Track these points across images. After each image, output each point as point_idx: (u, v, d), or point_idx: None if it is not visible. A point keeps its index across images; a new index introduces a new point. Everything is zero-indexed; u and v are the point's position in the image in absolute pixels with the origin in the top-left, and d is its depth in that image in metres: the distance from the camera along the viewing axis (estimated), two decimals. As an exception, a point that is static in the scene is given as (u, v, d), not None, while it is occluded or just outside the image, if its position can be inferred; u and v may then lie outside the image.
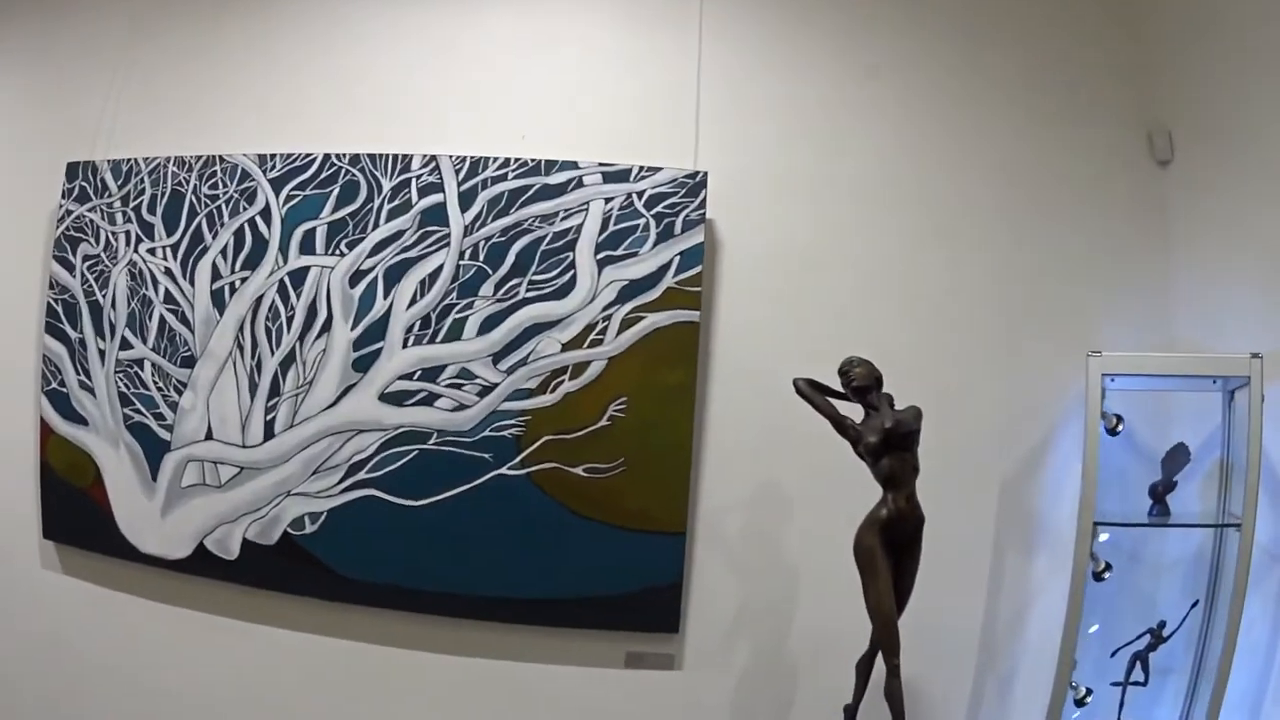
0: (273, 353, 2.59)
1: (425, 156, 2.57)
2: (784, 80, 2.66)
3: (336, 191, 2.60)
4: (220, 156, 2.68)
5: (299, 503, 2.53)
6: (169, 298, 2.67)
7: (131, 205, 2.72)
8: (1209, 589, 2.20)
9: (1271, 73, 2.17)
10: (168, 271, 2.68)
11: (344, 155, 2.61)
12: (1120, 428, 2.17)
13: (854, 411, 2.08)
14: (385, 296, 2.55)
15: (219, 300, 2.63)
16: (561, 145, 2.59)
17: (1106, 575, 2.15)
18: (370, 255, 2.56)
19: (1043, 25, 2.64)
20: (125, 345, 2.68)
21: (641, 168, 2.49)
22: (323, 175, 2.61)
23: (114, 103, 2.83)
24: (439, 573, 2.46)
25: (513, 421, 2.46)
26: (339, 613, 2.53)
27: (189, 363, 2.63)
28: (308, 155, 2.63)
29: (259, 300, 2.61)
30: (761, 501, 2.48)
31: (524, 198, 2.52)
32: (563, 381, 2.46)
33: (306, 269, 2.59)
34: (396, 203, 2.57)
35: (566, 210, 2.50)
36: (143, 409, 2.65)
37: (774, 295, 2.54)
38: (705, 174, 2.49)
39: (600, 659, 2.46)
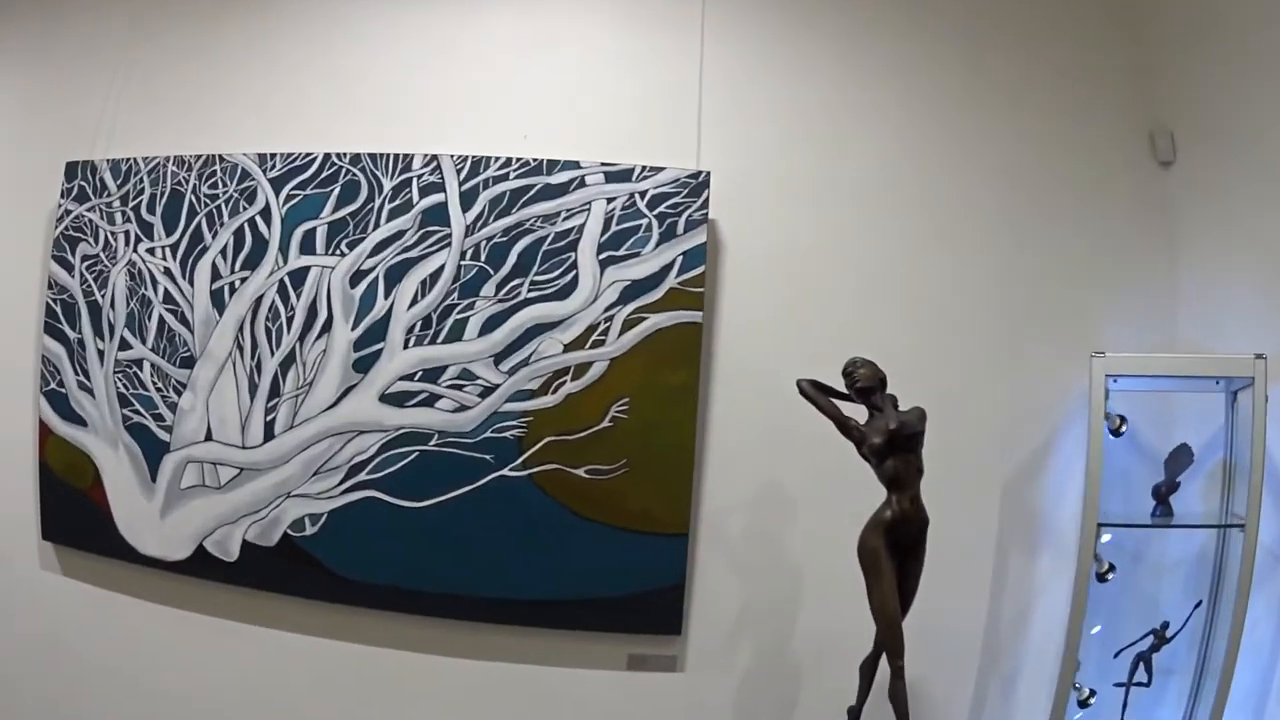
0: (273, 353, 2.58)
1: (426, 156, 2.56)
2: (786, 81, 2.65)
3: (337, 191, 2.59)
4: (220, 156, 2.67)
5: (299, 504, 2.52)
6: (168, 298, 2.66)
7: (131, 205, 2.71)
8: (1212, 589, 2.20)
9: (1273, 74, 2.17)
10: (167, 271, 2.67)
11: (344, 155, 2.60)
12: (1124, 429, 2.17)
13: (858, 413, 2.07)
14: (386, 297, 2.54)
15: (218, 300, 2.62)
16: (563, 145, 2.59)
17: (1110, 576, 2.15)
18: (371, 255, 2.55)
19: (1044, 27, 2.64)
20: (124, 345, 2.67)
21: (644, 168, 2.49)
22: (323, 175, 2.60)
23: (113, 102, 2.82)
24: (440, 574, 2.45)
25: (514, 423, 2.45)
26: (339, 615, 2.52)
27: (188, 363, 2.62)
28: (308, 155, 2.62)
29: (259, 300, 2.60)
30: (764, 503, 2.48)
31: (526, 197, 2.51)
32: (565, 382, 2.45)
33: (307, 269, 2.58)
34: (397, 202, 2.56)
35: (568, 210, 2.50)
36: (142, 410, 2.63)
37: (776, 296, 2.54)
38: (708, 174, 2.48)
39: (602, 661, 2.46)
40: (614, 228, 2.47)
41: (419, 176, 2.56)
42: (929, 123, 2.61)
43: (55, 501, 2.67)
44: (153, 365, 2.64)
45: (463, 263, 2.52)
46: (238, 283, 2.61)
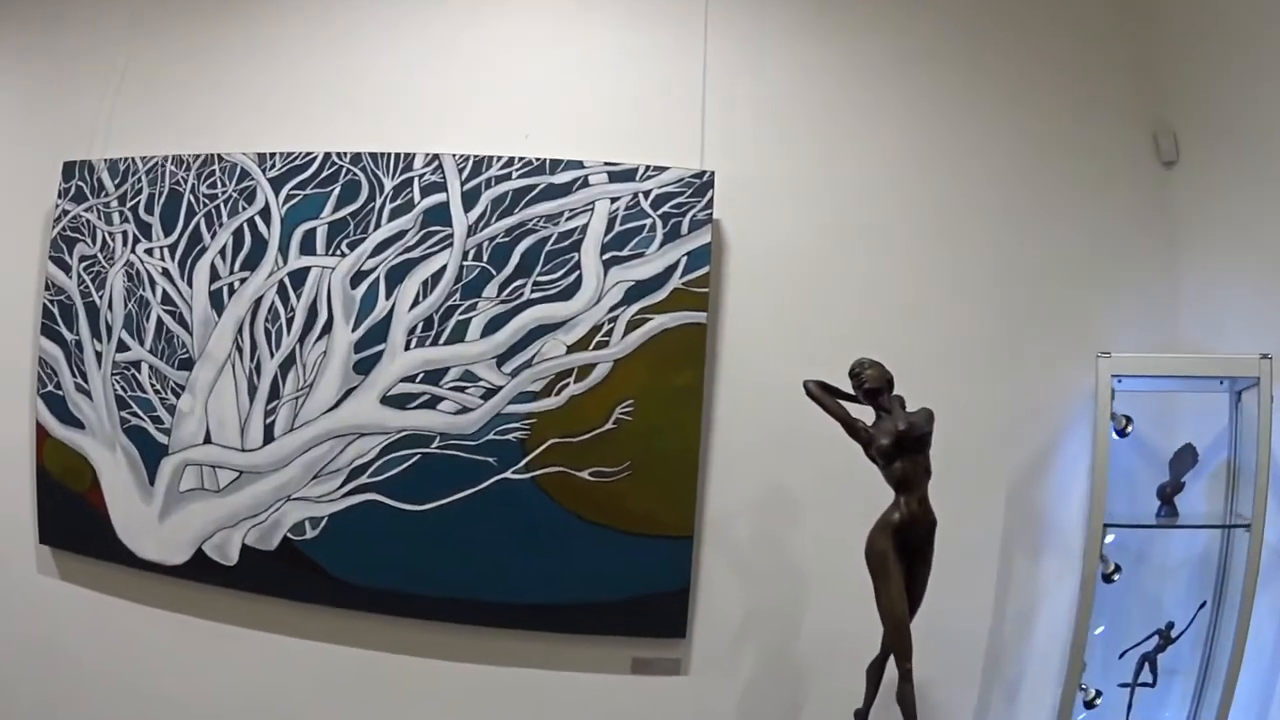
0: (272, 355, 2.56)
1: (428, 155, 2.54)
2: (789, 80, 2.64)
3: (337, 191, 2.57)
4: (219, 155, 2.65)
5: (299, 507, 2.50)
6: (166, 299, 2.63)
7: (129, 205, 2.68)
8: (1216, 590, 2.20)
9: (1277, 73, 2.17)
10: (165, 272, 2.64)
11: (345, 154, 2.58)
12: (1129, 429, 2.17)
13: (864, 414, 2.06)
14: (387, 297, 2.52)
15: (217, 301, 2.60)
16: (566, 144, 2.57)
17: (1116, 577, 2.15)
18: (372, 255, 2.53)
19: (1047, 26, 2.64)
20: (122, 347, 2.64)
21: (648, 167, 2.47)
22: (323, 174, 2.58)
23: (111, 101, 2.80)
24: (442, 578, 2.43)
25: (517, 425, 2.44)
26: (340, 619, 2.51)
27: (187, 365, 2.59)
28: (308, 154, 2.60)
29: (258, 301, 2.58)
30: (770, 505, 2.47)
31: (528, 197, 2.49)
32: (568, 384, 2.43)
33: (307, 269, 2.56)
34: (399, 202, 2.54)
35: (572, 210, 2.48)
36: (140, 412, 2.61)
37: (781, 296, 2.53)
38: (712, 173, 2.47)
39: (606, 664, 2.44)
40: (618, 228, 2.46)
41: (420, 176, 2.54)
42: (932, 121, 2.61)
43: (52, 505, 2.65)
44: (151, 367, 2.62)
45: (465, 263, 2.50)
46: (237, 283, 2.59)
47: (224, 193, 2.63)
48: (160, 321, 2.63)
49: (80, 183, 2.72)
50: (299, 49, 2.77)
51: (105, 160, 2.72)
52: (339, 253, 2.55)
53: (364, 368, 2.51)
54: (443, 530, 2.43)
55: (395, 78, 2.72)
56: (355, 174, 2.57)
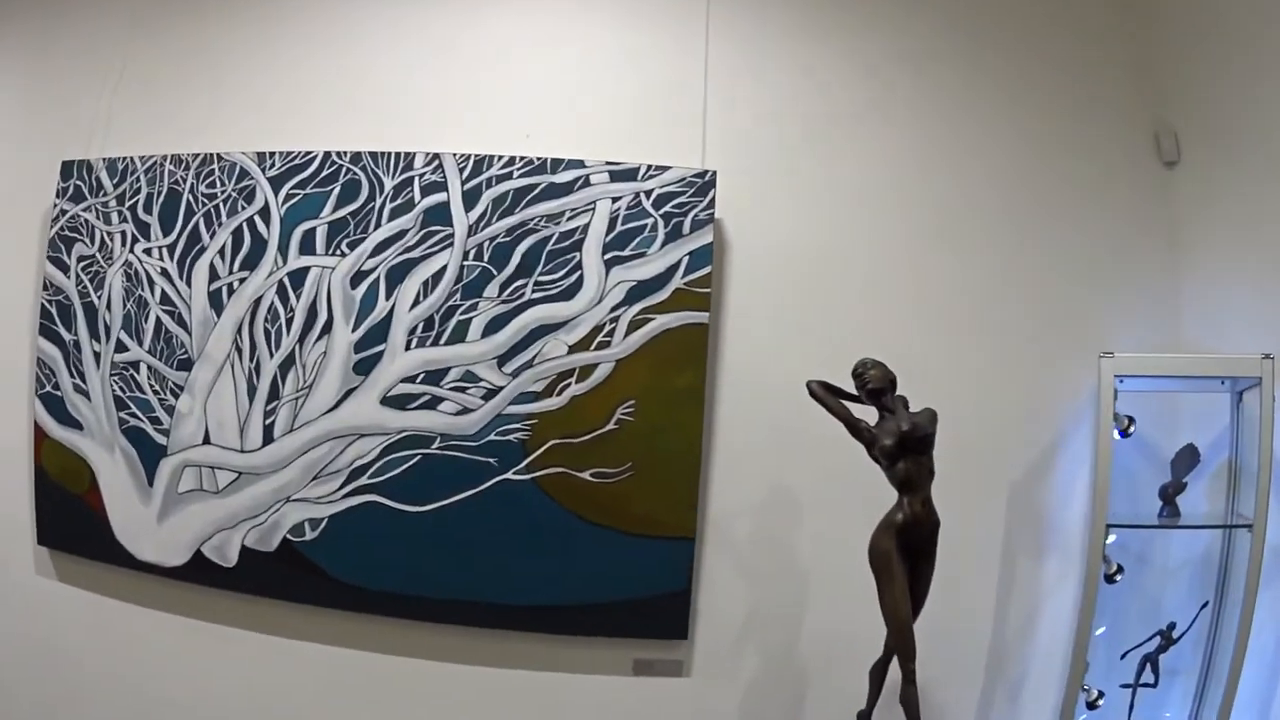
0: (272, 355, 2.55)
1: (428, 155, 2.54)
2: (790, 80, 2.64)
3: (337, 190, 2.56)
4: (218, 155, 2.64)
5: (299, 509, 2.49)
6: (165, 299, 2.62)
7: (127, 204, 2.67)
8: (1217, 590, 2.20)
9: (1277, 73, 2.17)
10: (164, 272, 2.63)
11: (345, 153, 2.57)
12: (1132, 429, 2.17)
13: (868, 414, 2.06)
14: (387, 298, 2.51)
15: (216, 301, 2.59)
16: (567, 144, 2.57)
17: (1119, 577, 2.15)
18: (372, 255, 2.52)
19: (1047, 26, 2.64)
20: (121, 348, 2.63)
21: (649, 166, 2.47)
22: (323, 174, 2.57)
23: (110, 100, 2.79)
24: (443, 580, 2.42)
25: (518, 425, 2.43)
26: (340, 621, 2.50)
27: (186, 365, 2.58)
28: (307, 153, 2.59)
29: (258, 301, 2.56)
30: (772, 505, 2.46)
31: (529, 197, 2.49)
32: (569, 384, 2.43)
33: (306, 269, 2.55)
34: (399, 202, 2.53)
35: (573, 210, 2.47)
36: (139, 413, 2.60)
37: (782, 296, 2.53)
38: (714, 173, 2.46)
39: (608, 666, 2.44)
40: (619, 227, 2.45)
41: (421, 175, 2.53)
42: (933, 121, 2.61)
43: (51, 506, 2.64)
44: (150, 367, 2.61)
45: (465, 263, 2.49)
46: (236, 283, 2.58)
47: (223, 192, 2.62)
48: (159, 322, 2.61)
49: (79, 182, 2.70)
50: (299, 49, 2.76)
51: (104, 159, 2.70)
52: (339, 252, 2.54)
53: (364, 368, 2.50)
54: (443, 531, 2.42)
55: (395, 78, 2.71)
56: (355, 173, 2.56)
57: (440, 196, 2.52)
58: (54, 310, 2.68)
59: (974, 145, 2.59)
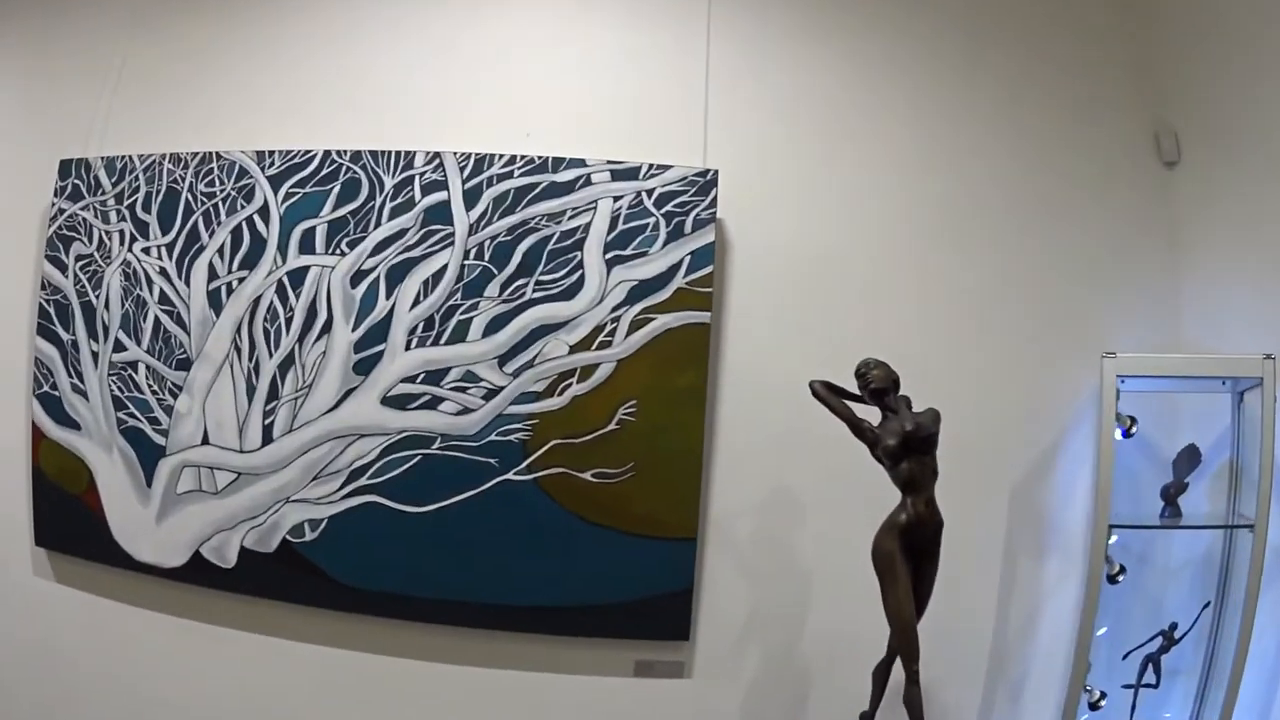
0: (271, 355, 2.54)
1: (429, 153, 2.53)
2: (790, 80, 2.64)
3: (337, 189, 2.55)
4: (217, 153, 2.63)
5: (298, 509, 2.48)
6: (164, 298, 2.61)
7: (126, 203, 2.66)
8: (1219, 591, 2.20)
9: (1277, 73, 2.18)
10: (163, 271, 2.62)
11: (345, 152, 2.56)
12: (1134, 429, 2.17)
13: (870, 414, 2.05)
14: (387, 297, 2.50)
15: (215, 301, 2.58)
16: (568, 143, 2.56)
17: (1121, 578, 2.15)
18: (372, 254, 2.52)
19: (1047, 25, 2.65)
20: (119, 347, 2.62)
21: (651, 165, 2.46)
22: (323, 172, 2.56)
23: (108, 99, 2.78)
24: (443, 580, 2.41)
25: (519, 425, 2.42)
26: (340, 622, 2.49)
27: (184, 365, 2.57)
28: (307, 152, 2.58)
29: (257, 301, 2.55)
30: (774, 506, 2.46)
31: (530, 196, 2.48)
32: (570, 384, 2.42)
33: (306, 269, 2.54)
34: (399, 201, 2.52)
35: (574, 209, 2.47)
36: (137, 413, 2.58)
37: (785, 296, 2.52)
38: (716, 172, 2.46)
39: (609, 667, 2.43)
40: (620, 227, 2.45)
41: (421, 174, 2.53)
42: (934, 121, 2.61)
43: (48, 507, 2.62)
44: (148, 367, 2.59)
45: (466, 262, 2.48)
46: (235, 283, 2.57)
47: (222, 191, 2.61)
48: (158, 321, 2.60)
49: (77, 181, 2.69)
50: (299, 48, 2.76)
51: (102, 158, 2.69)
52: (339, 252, 2.53)
53: (364, 368, 2.49)
54: (444, 532, 2.41)
55: (395, 78, 2.71)
56: (355, 172, 2.55)
57: (441, 195, 2.51)
58: (52, 310, 2.67)
59: (975, 145, 2.59)
